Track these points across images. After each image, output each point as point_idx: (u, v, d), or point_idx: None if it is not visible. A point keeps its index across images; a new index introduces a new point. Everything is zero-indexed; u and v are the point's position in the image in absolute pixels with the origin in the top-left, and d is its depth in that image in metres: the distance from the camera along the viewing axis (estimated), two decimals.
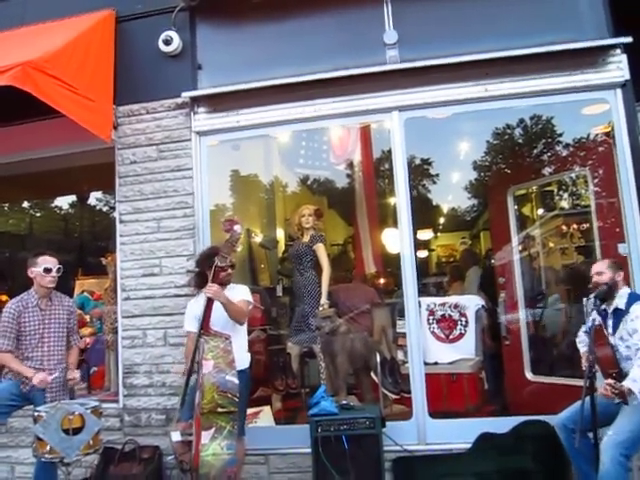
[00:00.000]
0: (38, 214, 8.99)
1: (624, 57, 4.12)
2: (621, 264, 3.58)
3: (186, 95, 4.62)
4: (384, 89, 4.38)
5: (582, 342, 3.52)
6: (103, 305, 5.90)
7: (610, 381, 3.05)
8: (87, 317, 6.37)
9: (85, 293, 6.68)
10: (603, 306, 3.44)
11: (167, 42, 4.65)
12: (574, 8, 4.29)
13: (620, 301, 3.35)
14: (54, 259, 3.95)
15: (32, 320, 3.87)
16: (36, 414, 3.50)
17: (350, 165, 6.40)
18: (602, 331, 3.40)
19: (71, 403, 3.67)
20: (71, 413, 3.45)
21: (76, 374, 3.96)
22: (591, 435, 3.16)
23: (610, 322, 3.39)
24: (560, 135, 6.76)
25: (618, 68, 4.14)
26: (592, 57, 4.16)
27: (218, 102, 4.65)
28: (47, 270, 3.87)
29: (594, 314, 3.38)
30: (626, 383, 2.99)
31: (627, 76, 4.11)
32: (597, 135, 4.83)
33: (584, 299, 3.80)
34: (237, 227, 3.50)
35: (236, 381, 3.29)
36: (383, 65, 4.41)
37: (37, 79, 3.72)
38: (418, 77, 4.31)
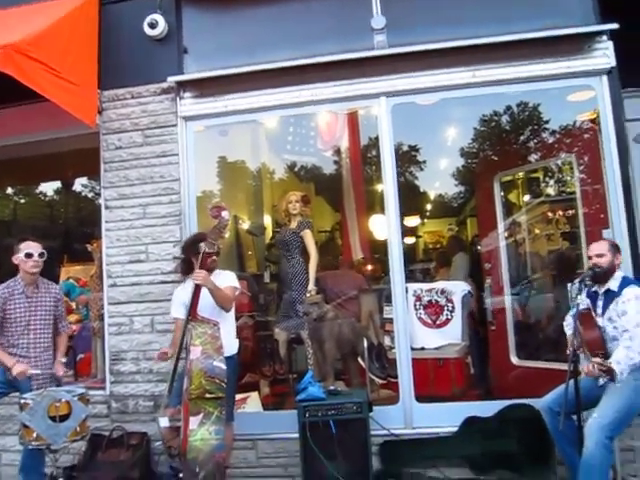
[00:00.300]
0: (22, 200, 8.87)
1: (610, 44, 4.14)
2: (619, 247, 3.59)
3: (172, 80, 4.57)
4: (372, 75, 4.36)
5: (569, 325, 3.56)
6: (89, 292, 5.86)
7: (597, 359, 3.10)
8: (73, 304, 6.31)
9: (71, 280, 6.61)
10: (594, 288, 3.48)
11: (152, 25, 4.58)
12: None
13: (613, 283, 3.37)
14: (37, 244, 3.92)
15: (18, 307, 3.85)
16: (22, 401, 3.48)
17: (337, 151, 6.40)
18: (590, 315, 3.44)
19: (58, 390, 3.66)
20: (58, 400, 3.44)
21: (61, 369, 3.94)
22: (575, 417, 3.22)
23: (600, 303, 3.43)
24: (546, 122, 6.78)
25: (604, 55, 4.16)
26: (578, 44, 4.17)
27: (204, 87, 4.60)
28: (28, 255, 3.84)
29: (580, 298, 3.40)
30: (611, 362, 3.05)
31: (613, 63, 4.13)
32: (583, 122, 4.85)
33: (569, 284, 3.86)
34: (225, 213, 3.48)
35: (224, 367, 3.30)
36: (371, 50, 4.39)
37: (20, 62, 3.65)
38: (406, 62, 4.30)
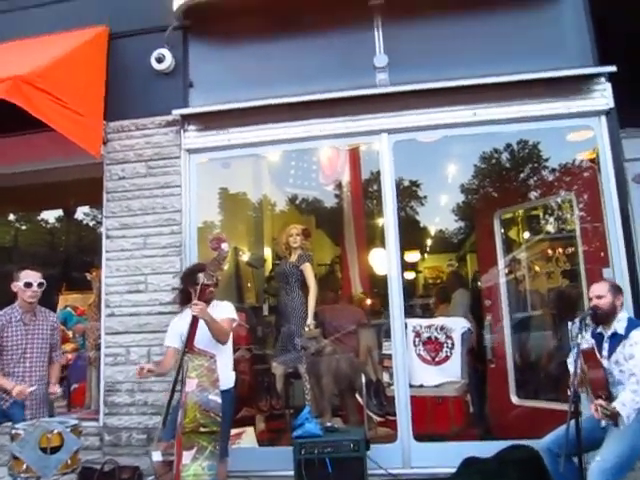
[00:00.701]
0: (24, 227, 8.90)
1: (608, 86, 4.21)
2: (621, 288, 3.56)
3: (177, 113, 4.64)
4: (374, 112, 4.43)
5: (572, 364, 3.51)
6: (86, 321, 5.83)
7: (601, 402, 3.04)
8: (69, 333, 6.28)
9: (68, 308, 6.59)
10: (599, 329, 3.44)
11: (159, 60, 4.69)
12: (561, 37, 4.39)
13: (619, 325, 3.32)
14: (36, 273, 3.91)
15: (15, 335, 3.82)
16: (13, 432, 3.42)
17: (339, 185, 6.44)
18: (594, 354, 3.40)
19: (50, 421, 3.60)
20: (50, 431, 3.37)
21: (57, 388, 3.91)
22: (576, 460, 3.15)
23: (606, 345, 3.36)
24: (546, 160, 6.84)
25: (602, 96, 4.23)
26: (577, 85, 4.25)
27: (209, 120, 4.67)
28: (27, 284, 3.83)
29: (581, 337, 3.37)
30: (616, 405, 2.99)
31: (611, 104, 4.20)
32: (582, 161, 4.90)
33: (569, 323, 3.83)
34: (224, 245, 3.49)
35: (219, 400, 3.25)
36: (373, 88, 4.47)
37: (28, 93, 3.73)
38: (407, 100, 4.37)
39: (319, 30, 4.70)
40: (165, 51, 4.70)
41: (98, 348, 4.92)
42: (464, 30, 4.48)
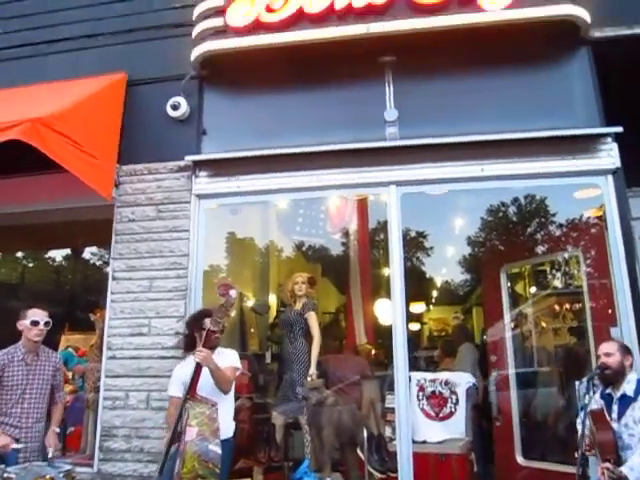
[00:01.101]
0: (31, 264, 8.94)
1: (615, 145, 4.26)
2: (630, 349, 3.52)
3: (189, 159, 4.72)
4: (383, 164, 4.49)
5: (580, 424, 3.42)
6: (87, 362, 5.76)
7: (608, 465, 2.95)
8: (69, 374, 6.21)
9: (70, 349, 6.54)
10: (607, 390, 3.37)
11: (175, 107, 4.80)
12: (569, 97, 4.47)
13: (628, 387, 3.25)
14: (43, 312, 3.91)
15: (16, 374, 3.78)
16: (5, 475, 3.32)
17: (346, 234, 6.47)
18: (603, 415, 3.31)
19: (43, 465, 3.50)
20: (42, 476, 3.28)
21: (53, 441, 3.80)
22: None
23: (615, 407, 3.29)
24: (553, 215, 6.89)
25: (609, 155, 4.27)
26: (584, 144, 4.30)
27: (220, 167, 4.74)
28: (34, 323, 3.83)
29: (589, 397, 3.30)
30: (623, 469, 2.90)
31: (618, 164, 4.24)
32: (589, 218, 4.92)
33: (576, 382, 3.76)
34: (232, 292, 3.49)
35: (219, 451, 3.17)
36: (383, 141, 4.54)
37: (45, 135, 3.82)
38: (416, 154, 4.43)
39: (331, 83, 4.81)
40: (181, 99, 4.82)
41: (97, 391, 4.84)
42: (473, 87, 4.58)
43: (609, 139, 4.29)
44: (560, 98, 4.46)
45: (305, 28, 4.58)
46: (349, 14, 4.53)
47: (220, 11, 4.73)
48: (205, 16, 4.79)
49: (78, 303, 7.57)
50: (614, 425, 3.25)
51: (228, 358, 3.68)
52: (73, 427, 5.62)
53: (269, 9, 4.61)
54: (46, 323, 3.89)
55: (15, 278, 8.51)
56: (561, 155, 4.30)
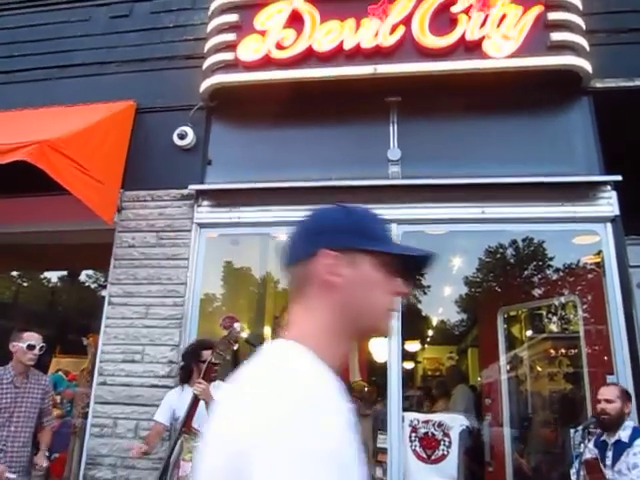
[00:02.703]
0: (25, 284, 8.89)
1: (614, 194, 4.31)
2: (630, 395, 3.50)
3: (193, 188, 4.75)
4: (384, 202, 4.51)
5: (576, 474, 3.38)
6: (76, 387, 5.68)
7: None
8: (58, 398, 6.11)
9: (60, 372, 6.46)
10: (602, 437, 3.34)
11: (182, 136, 4.86)
12: (569, 144, 4.55)
13: (623, 433, 3.24)
14: (39, 336, 3.89)
15: (4, 397, 3.74)
16: None
17: None
18: (597, 464, 3.28)
19: None
20: None
21: (44, 461, 3.75)
22: None
23: (610, 454, 3.26)
24: (551, 259, 6.91)
25: (608, 204, 4.32)
26: (584, 191, 4.35)
27: (222, 197, 4.78)
28: (30, 347, 3.80)
29: (584, 446, 3.27)
30: None
31: (617, 212, 4.28)
32: (587, 264, 4.94)
33: (571, 430, 3.71)
34: (237, 325, 3.47)
35: None
36: (385, 179, 4.60)
37: (52, 158, 3.86)
38: (418, 194, 4.47)
39: (336, 120, 4.89)
40: (188, 128, 4.88)
41: (85, 417, 4.76)
42: (476, 130, 4.66)
43: (608, 187, 4.34)
44: (561, 145, 4.53)
45: (314, 66, 4.67)
46: (357, 54, 4.63)
47: (231, 45, 4.83)
48: (216, 49, 4.89)
49: (71, 326, 7.51)
50: (607, 472, 3.21)
51: None
52: (58, 453, 5.49)
53: (279, 46, 4.72)
54: (41, 348, 3.86)
55: (8, 297, 8.46)
56: (561, 201, 4.34)
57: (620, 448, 3.22)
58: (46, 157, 3.83)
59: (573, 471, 3.44)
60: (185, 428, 3.29)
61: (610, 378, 4.06)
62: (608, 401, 3.32)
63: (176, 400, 3.59)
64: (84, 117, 4.67)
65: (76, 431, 5.21)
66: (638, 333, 4.16)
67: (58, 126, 4.39)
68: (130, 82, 5.21)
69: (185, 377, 3.71)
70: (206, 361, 3.44)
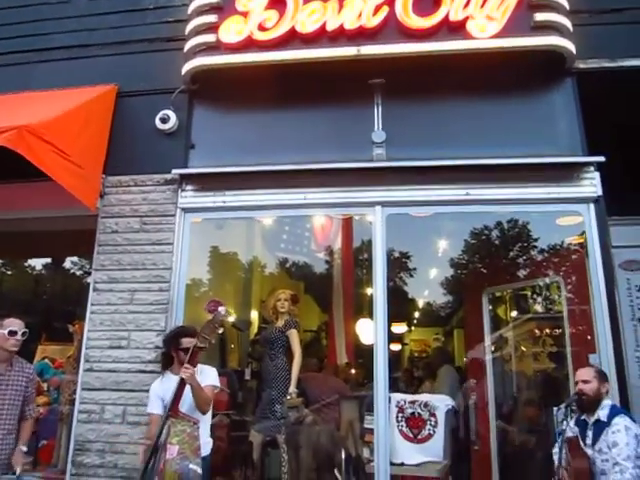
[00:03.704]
0: (9, 272, 8.78)
1: (597, 174, 4.34)
2: (606, 375, 3.56)
3: (176, 172, 4.71)
4: (369, 184, 4.52)
5: (557, 454, 3.44)
6: (63, 374, 5.65)
7: None
8: (44, 385, 6.07)
9: (46, 360, 6.40)
10: (582, 416, 3.40)
11: (164, 120, 4.79)
12: (553, 125, 4.56)
13: (602, 413, 3.30)
14: (21, 322, 3.85)
15: None
16: None
17: (330, 253, 6.48)
18: (578, 443, 3.34)
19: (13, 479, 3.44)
20: None
21: (19, 464, 3.71)
22: None
23: (590, 433, 3.33)
24: (535, 240, 6.98)
25: (591, 184, 4.35)
26: (567, 172, 4.38)
27: (205, 182, 4.74)
28: (12, 333, 3.76)
29: (566, 424, 3.32)
30: None
31: (600, 192, 4.31)
32: (570, 244, 4.98)
33: (554, 408, 3.78)
34: (222, 309, 3.47)
35: (199, 471, 3.12)
36: (370, 162, 4.58)
37: (31, 143, 3.77)
38: (402, 176, 4.47)
39: (320, 103, 4.86)
40: (170, 112, 4.81)
41: (72, 403, 4.75)
42: (460, 112, 4.64)
43: (592, 168, 4.36)
44: (545, 126, 4.54)
45: (296, 48, 4.62)
46: (340, 36, 4.58)
47: (213, 27, 4.76)
48: (198, 31, 4.81)
49: (56, 313, 7.43)
50: (588, 451, 3.28)
51: (208, 376, 3.64)
52: (45, 440, 5.48)
53: (262, 27, 4.66)
54: (23, 333, 3.82)
55: None
56: (544, 182, 4.37)
57: (599, 427, 3.29)
58: (25, 142, 3.74)
59: (555, 450, 3.51)
60: (172, 412, 3.29)
61: (592, 357, 4.13)
62: (585, 382, 3.39)
63: (160, 389, 3.60)
64: (64, 101, 4.58)
65: (63, 418, 5.20)
66: (620, 313, 4.23)
67: (37, 111, 4.31)
68: (111, 65, 5.11)
69: (166, 363, 3.72)
70: (184, 348, 3.45)
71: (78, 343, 5.12)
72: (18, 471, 3.67)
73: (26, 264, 8.56)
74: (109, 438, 4.31)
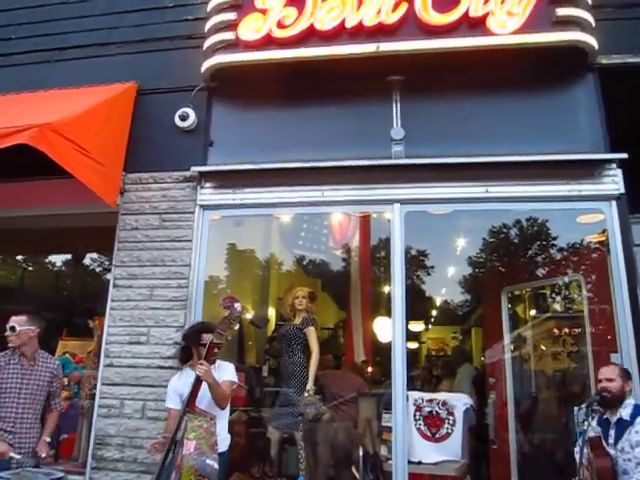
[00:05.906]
0: (30, 268, 8.91)
1: (619, 172, 4.28)
2: (630, 373, 3.52)
3: (195, 170, 4.73)
4: (387, 182, 4.50)
5: (579, 452, 3.40)
6: (83, 369, 5.73)
7: None
8: (65, 380, 6.15)
9: (67, 355, 6.48)
10: (606, 415, 3.36)
11: (183, 118, 4.83)
12: (574, 122, 4.50)
13: (625, 412, 3.27)
14: (23, 318, 3.86)
15: (10, 378, 3.76)
16: None
17: (347, 250, 6.47)
18: (600, 442, 3.30)
19: (35, 472, 3.48)
20: None
21: (45, 449, 3.78)
22: None
23: (612, 432, 3.29)
24: (555, 239, 6.89)
25: (613, 182, 4.28)
26: (589, 169, 4.31)
27: (225, 179, 4.76)
28: (11, 329, 3.81)
29: (587, 423, 3.28)
30: None
31: (622, 190, 4.25)
32: (591, 242, 4.92)
33: (575, 408, 3.73)
34: (237, 305, 3.47)
35: (216, 466, 3.14)
36: (388, 159, 4.56)
37: (53, 141, 3.82)
38: (421, 173, 4.45)
39: (339, 99, 4.84)
40: (189, 110, 4.84)
41: (92, 398, 4.81)
42: (480, 108, 4.61)
43: (614, 165, 4.30)
44: (566, 123, 4.48)
45: (315, 45, 4.62)
46: (359, 32, 4.57)
47: (232, 25, 4.77)
48: (217, 29, 4.83)
49: (76, 309, 7.53)
50: (611, 450, 3.24)
51: (226, 372, 3.66)
52: (66, 434, 5.56)
53: (280, 25, 4.66)
54: (11, 328, 3.82)
55: (13, 282, 8.48)
56: (565, 179, 4.31)
57: (622, 426, 3.25)
58: (47, 140, 3.80)
59: (577, 449, 3.46)
60: (188, 408, 3.31)
61: (614, 357, 4.07)
62: (609, 380, 3.35)
63: (178, 384, 3.63)
64: (85, 99, 4.64)
65: (84, 412, 5.27)
66: None
67: (59, 109, 4.36)
68: (131, 63, 5.16)
69: (185, 358, 3.74)
70: (205, 344, 3.45)
71: (98, 339, 5.19)
72: (44, 455, 3.73)
73: (47, 260, 8.68)
74: (129, 433, 4.36)
